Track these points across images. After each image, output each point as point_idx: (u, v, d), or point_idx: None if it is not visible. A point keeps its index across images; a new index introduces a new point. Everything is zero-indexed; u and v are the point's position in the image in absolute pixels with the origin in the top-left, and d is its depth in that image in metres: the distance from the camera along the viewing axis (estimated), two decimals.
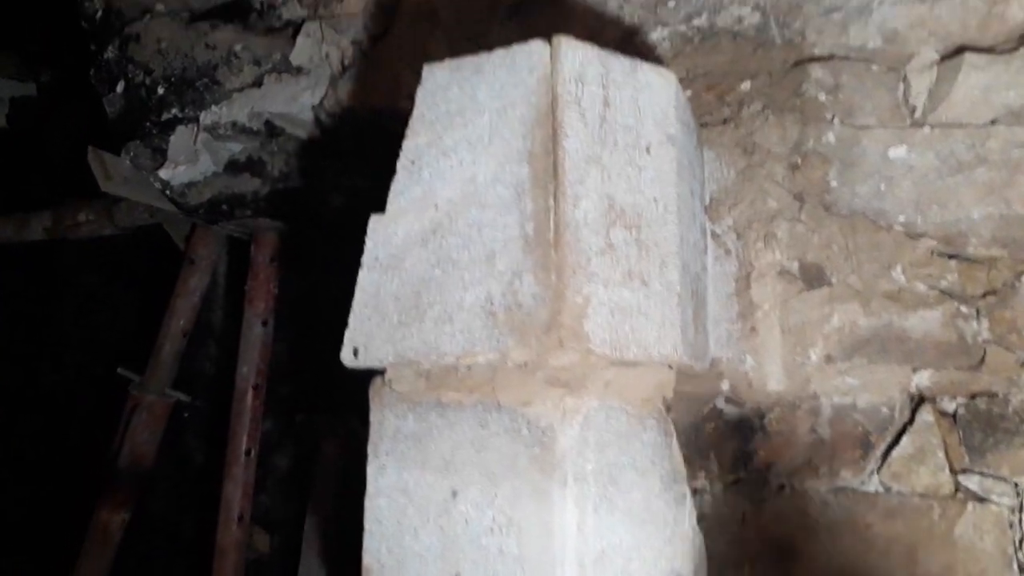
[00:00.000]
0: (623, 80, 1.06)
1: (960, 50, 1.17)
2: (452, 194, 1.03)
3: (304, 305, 2.53)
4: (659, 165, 1.06)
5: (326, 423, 2.37)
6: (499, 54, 1.05)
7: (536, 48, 1.02)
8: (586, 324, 0.94)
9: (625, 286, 0.98)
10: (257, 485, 2.17)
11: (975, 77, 1.14)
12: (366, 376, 1.15)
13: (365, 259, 1.09)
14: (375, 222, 1.09)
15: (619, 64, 1.06)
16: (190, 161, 2.03)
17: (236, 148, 2.03)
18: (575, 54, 1.02)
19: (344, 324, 1.10)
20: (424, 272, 1.03)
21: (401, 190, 1.07)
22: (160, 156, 2.04)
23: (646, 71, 1.09)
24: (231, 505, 2.08)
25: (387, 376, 1.13)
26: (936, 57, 1.19)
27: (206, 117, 1.96)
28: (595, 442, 0.99)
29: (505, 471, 1.00)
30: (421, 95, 1.08)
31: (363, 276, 1.09)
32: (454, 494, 1.03)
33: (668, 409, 1.08)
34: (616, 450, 1.00)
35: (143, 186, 2.14)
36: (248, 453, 2.08)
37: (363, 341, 1.07)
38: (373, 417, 1.13)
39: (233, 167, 2.06)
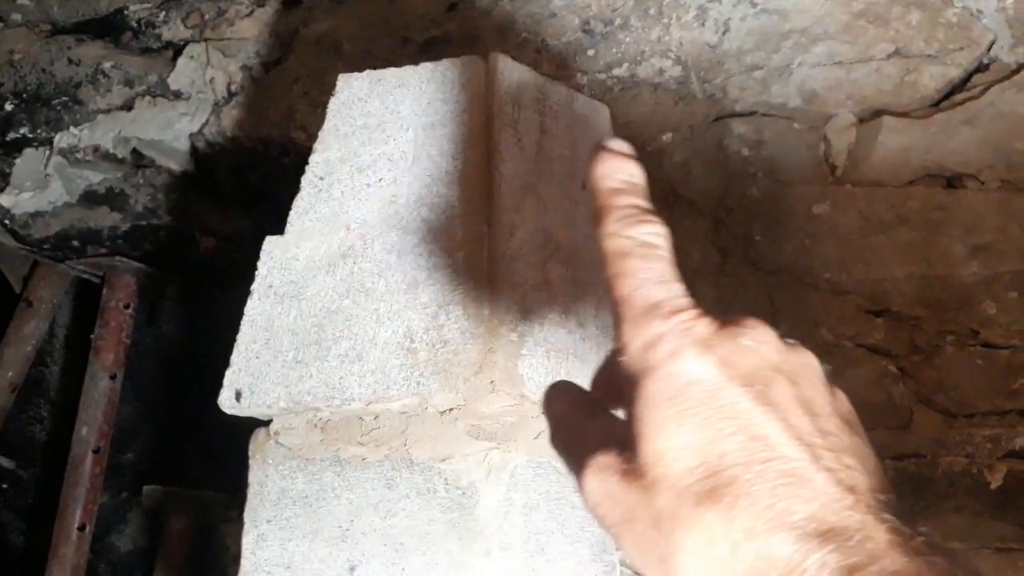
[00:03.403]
0: (559, 109, 0.98)
1: (877, 113, 1.19)
2: (368, 215, 0.90)
3: (158, 360, 2.25)
4: None
5: (176, 496, 2.08)
6: (427, 67, 0.95)
7: (470, 64, 0.94)
8: (521, 365, 0.83)
9: (562, 326, 0.88)
10: (90, 570, 1.84)
11: (894, 139, 1.15)
12: (229, 435, 0.98)
13: (256, 286, 0.93)
14: (271, 244, 0.94)
15: (556, 92, 0.99)
16: (38, 188, 1.78)
17: (95, 178, 1.80)
18: (512, 74, 0.94)
19: (208, 378, 0.93)
20: (330, 302, 0.89)
21: (306, 208, 0.93)
22: (1, 180, 1.78)
23: (582, 103, 1.02)
24: None
25: (273, 427, 0.96)
26: (854, 119, 1.20)
27: (62, 139, 1.74)
28: (523, 504, 0.85)
29: (416, 541, 0.85)
30: (335, 106, 0.96)
31: (252, 306, 0.92)
32: (352, 569, 0.87)
33: None
34: (545, 514, 0.87)
35: None
36: (82, 529, 1.77)
37: (248, 382, 0.90)
38: (253, 477, 0.95)
39: (90, 198, 1.82)
